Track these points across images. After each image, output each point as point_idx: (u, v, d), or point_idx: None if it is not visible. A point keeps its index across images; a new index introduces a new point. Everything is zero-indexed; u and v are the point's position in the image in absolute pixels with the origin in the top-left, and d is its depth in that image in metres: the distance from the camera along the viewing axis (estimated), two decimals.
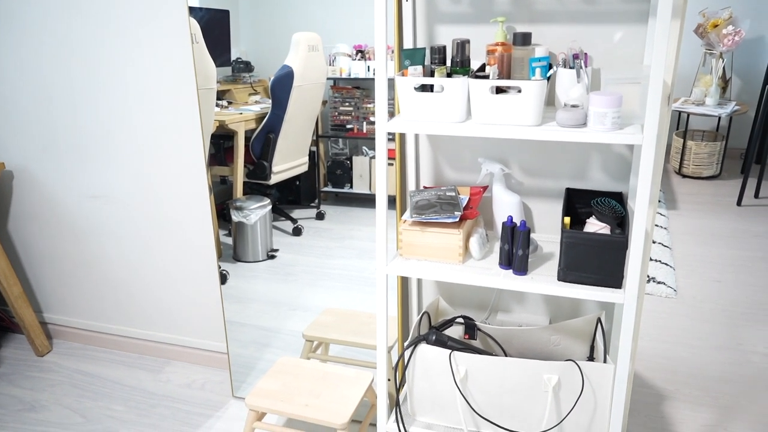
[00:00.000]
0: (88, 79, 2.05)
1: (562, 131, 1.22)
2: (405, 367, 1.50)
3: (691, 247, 3.36)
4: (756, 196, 4.17)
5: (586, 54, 1.33)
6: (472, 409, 1.47)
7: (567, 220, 1.33)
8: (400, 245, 1.47)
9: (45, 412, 2.09)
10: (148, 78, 1.98)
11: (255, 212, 1.99)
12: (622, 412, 1.35)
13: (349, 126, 1.81)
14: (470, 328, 1.58)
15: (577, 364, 1.37)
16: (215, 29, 1.80)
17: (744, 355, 2.34)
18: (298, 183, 1.94)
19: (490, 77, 1.28)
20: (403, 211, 1.70)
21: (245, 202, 1.99)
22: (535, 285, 1.32)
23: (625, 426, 1.70)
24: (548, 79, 1.28)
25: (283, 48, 1.76)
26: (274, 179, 1.93)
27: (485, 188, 1.58)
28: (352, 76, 1.75)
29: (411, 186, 1.68)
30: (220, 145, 1.94)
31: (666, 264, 3.08)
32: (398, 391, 1.59)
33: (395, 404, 1.55)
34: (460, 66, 1.37)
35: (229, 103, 1.88)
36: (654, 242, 3.35)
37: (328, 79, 1.77)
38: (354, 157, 1.84)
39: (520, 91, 1.24)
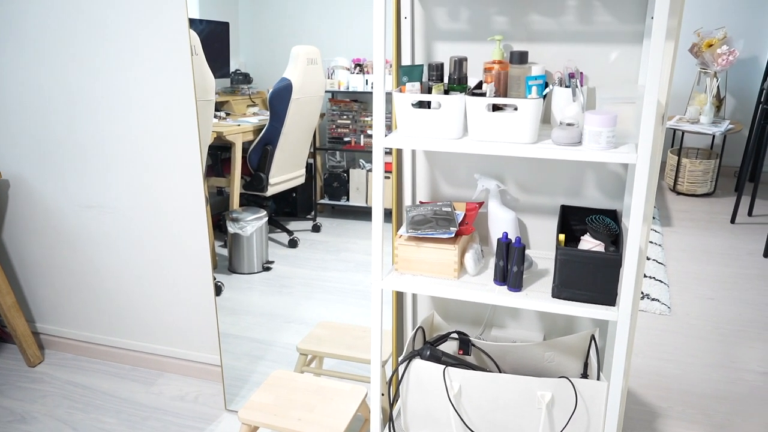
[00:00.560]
0: (85, 89, 2.06)
1: (557, 149, 1.23)
2: (399, 382, 1.50)
3: (685, 264, 3.37)
4: (749, 213, 4.20)
5: (581, 73, 1.35)
6: (465, 425, 1.46)
7: (562, 237, 1.34)
8: (395, 260, 1.47)
9: (36, 424, 2.07)
10: (146, 89, 1.98)
11: (251, 224, 1.99)
12: (615, 429, 1.35)
13: (346, 139, 1.82)
14: (464, 343, 1.58)
15: (570, 381, 1.37)
16: (215, 42, 1.81)
17: (737, 373, 2.34)
18: (294, 195, 1.94)
19: (487, 95, 1.30)
20: (399, 225, 1.71)
21: (241, 214, 1.99)
22: (530, 301, 1.33)
23: None
24: (544, 97, 1.30)
25: (282, 60, 1.77)
26: (270, 191, 1.94)
27: (481, 204, 1.59)
28: (350, 90, 1.76)
29: (407, 200, 1.69)
30: (218, 156, 1.95)
31: (660, 281, 3.09)
32: (392, 405, 1.59)
33: (389, 419, 1.54)
34: (458, 83, 1.38)
35: (227, 114, 1.89)
36: (648, 259, 3.37)
37: (326, 92, 1.78)
38: (351, 170, 1.85)
39: (516, 109, 1.25)
